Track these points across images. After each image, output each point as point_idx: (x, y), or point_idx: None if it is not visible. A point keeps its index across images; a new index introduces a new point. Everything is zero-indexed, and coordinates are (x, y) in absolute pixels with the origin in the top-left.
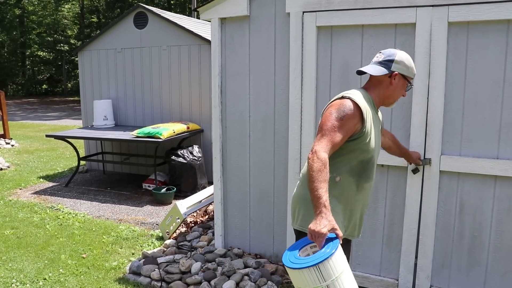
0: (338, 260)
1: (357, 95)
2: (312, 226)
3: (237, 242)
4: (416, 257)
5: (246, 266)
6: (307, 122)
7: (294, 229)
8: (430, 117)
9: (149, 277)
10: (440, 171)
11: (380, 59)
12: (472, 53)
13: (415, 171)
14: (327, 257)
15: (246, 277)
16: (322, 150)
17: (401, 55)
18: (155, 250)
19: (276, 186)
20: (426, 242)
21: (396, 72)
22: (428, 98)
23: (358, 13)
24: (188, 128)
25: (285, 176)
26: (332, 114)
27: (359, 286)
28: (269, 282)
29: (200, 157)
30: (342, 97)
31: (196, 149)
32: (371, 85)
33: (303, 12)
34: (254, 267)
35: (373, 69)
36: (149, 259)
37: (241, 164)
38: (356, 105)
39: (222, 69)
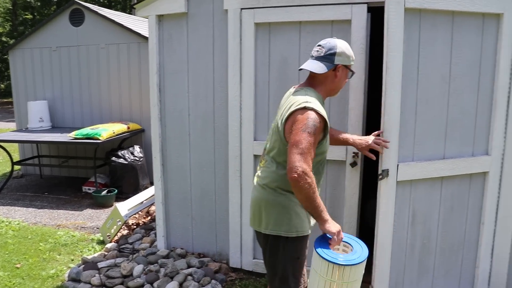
0: (358, 270)
1: (317, 104)
2: (332, 229)
3: (180, 242)
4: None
5: (189, 266)
6: (247, 119)
7: (261, 233)
8: (388, 120)
9: (89, 283)
10: (397, 182)
11: (322, 54)
12: (424, 46)
13: (353, 164)
14: (353, 264)
15: (189, 277)
16: (308, 168)
17: (341, 46)
18: (96, 254)
19: (217, 184)
20: (383, 267)
21: (339, 64)
22: (385, 97)
23: (295, 9)
24: (128, 128)
25: (226, 174)
26: (305, 130)
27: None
28: (212, 281)
29: (141, 157)
30: (305, 108)
31: (137, 149)
32: (317, 82)
33: (241, 9)
34: (198, 266)
35: (318, 66)
36: (89, 265)
37: (181, 163)
38: (321, 116)
39: (161, 67)
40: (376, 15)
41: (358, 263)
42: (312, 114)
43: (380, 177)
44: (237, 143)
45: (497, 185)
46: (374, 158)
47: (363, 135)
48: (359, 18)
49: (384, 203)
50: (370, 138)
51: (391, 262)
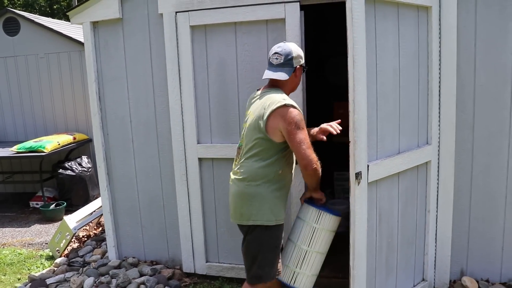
0: (335, 222)
1: (291, 101)
2: (320, 194)
3: (131, 251)
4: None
5: (142, 275)
6: (189, 122)
7: (243, 225)
8: (357, 119)
9: None
10: (368, 183)
11: (282, 61)
12: (379, 38)
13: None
14: (335, 214)
15: (142, 286)
16: (316, 157)
17: (295, 50)
18: (44, 271)
19: (165, 190)
20: (360, 277)
21: (297, 66)
22: (353, 94)
23: (230, 11)
24: (74, 138)
25: (172, 179)
26: (298, 128)
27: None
28: (166, 287)
29: (90, 167)
30: (285, 106)
31: (85, 159)
32: (280, 84)
33: (176, 12)
34: (150, 274)
35: (282, 74)
36: (37, 282)
37: (127, 170)
38: (299, 111)
39: (99, 75)
40: (308, 13)
41: (337, 215)
42: (294, 111)
43: (356, 180)
44: (181, 147)
45: (436, 173)
46: (324, 139)
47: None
48: (293, 16)
49: (358, 208)
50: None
51: (366, 268)
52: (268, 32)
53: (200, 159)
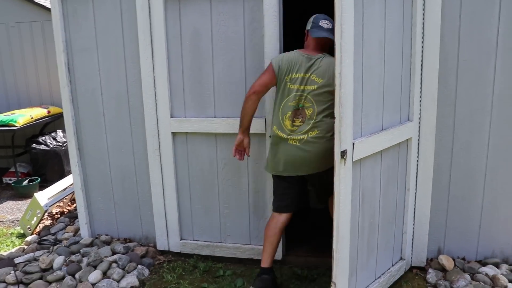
0: None
1: None
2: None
3: (104, 228)
4: None
5: (114, 253)
6: (162, 95)
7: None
8: (344, 93)
9: (4, 281)
10: (353, 162)
11: (331, 27)
12: (367, 6)
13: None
14: None
15: (114, 265)
16: None
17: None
18: (13, 250)
19: (137, 165)
20: (343, 260)
21: None
22: (341, 67)
23: None
24: (49, 112)
25: (145, 154)
26: None
27: (231, 258)
28: (139, 266)
29: (65, 142)
30: None
31: (60, 134)
32: (326, 48)
33: None
34: (123, 252)
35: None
36: (4, 261)
37: (98, 145)
38: None
39: (67, 45)
40: None
41: None
42: None
43: (341, 159)
44: (154, 122)
45: (416, 150)
46: None
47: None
48: None
49: (343, 189)
50: None
51: (349, 251)
52: (244, 1)
53: (173, 134)
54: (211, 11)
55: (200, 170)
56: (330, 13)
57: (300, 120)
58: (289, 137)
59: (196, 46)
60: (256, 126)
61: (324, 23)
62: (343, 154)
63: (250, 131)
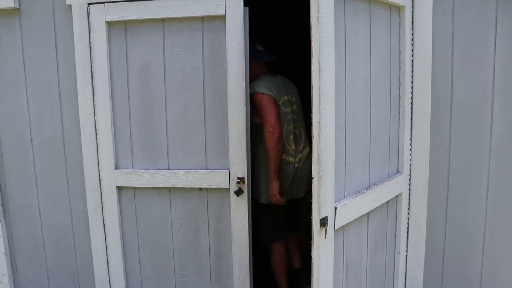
0: None
1: None
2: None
3: None
4: None
5: None
6: (105, 142)
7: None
8: (324, 147)
9: None
10: (335, 230)
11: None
12: (349, 40)
13: (238, 192)
14: None
15: None
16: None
17: None
18: None
19: (76, 225)
20: None
21: None
22: (319, 114)
23: (156, 4)
24: None
25: (84, 212)
26: None
27: None
28: None
29: None
30: None
31: None
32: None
33: (89, 3)
34: None
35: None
36: None
37: (28, 201)
38: None
39: None
40: (253, 10)
41: None
42: None
43: (321, 228)
44: (95, 173)
45: (407, 207)
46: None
47: (248, 155)
48: (235, 12)
49: (323, 264)
50: None
51: None
52: (204, 32)
53: (119, 188)
54: (164, 43)
55: (152, 231)
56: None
57: (298, 140)
58: (295, 159)
59: (146, 84)
60: (217, 179)
61: (261, 47)
62: (323, 222)
63: (211, 186)
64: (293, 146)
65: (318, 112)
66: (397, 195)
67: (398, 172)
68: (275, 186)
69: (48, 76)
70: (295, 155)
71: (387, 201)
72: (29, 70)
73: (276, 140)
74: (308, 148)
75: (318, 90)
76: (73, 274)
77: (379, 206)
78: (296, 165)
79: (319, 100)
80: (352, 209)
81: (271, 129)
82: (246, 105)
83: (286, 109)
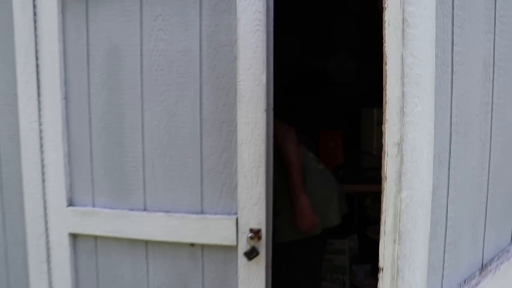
0: None
1: None
2: None
3: None
4: None
5: None
6: (53, 164)
7: None
8: (407, 203)
9: None
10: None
11: None
12: None
13: (250, 254)
14: None
15: None
16: None
17: None
18: None
19: (13, 282)
20: None
21: None
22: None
23: None
24: None
25: (24, 267)
26: None
27: None
28: None
29: None
30: None
31: None
32: None
33: None
34: None
35: None
36: None
37: None
38: None
39: None
40: None
41: None
42: None
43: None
44: (40, 211)
45: None
46: None
47: (268, 193)
48: None
49: None
50: None
51: None
52: None
53: (73, 236)
54: (142, 12)
55: None
56: None
57: None
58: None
59: (115, 76)
60: (219, 231)
61: None
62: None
63: (208, 242)
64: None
65: (400, 121)
66: None
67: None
68: (305, 202)
69: None
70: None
71: None
72: None
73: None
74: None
75: (401, 70)
76: None
77: None
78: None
79: (402, 93)
80: None
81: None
82: (268, 111)
83: None
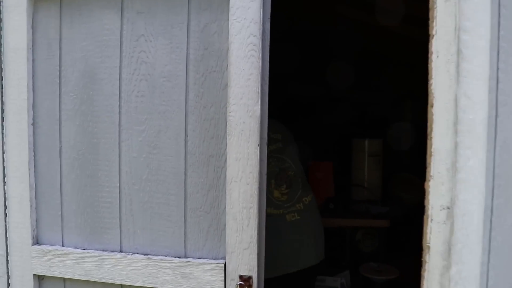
0: None
1: None
2: None
3: None
4: None
5: None
6: (17, 198)
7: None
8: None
9: None
10: None
11: None
12: None
13: None
14: None
15: None
16: None
17: None
18: None
19: None
20: None
21: None
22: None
23: None
24: None
25: None
26: None
27: None
28: None
29: None
30: None
31: None
32: None
33: None
34: None
35: None
36: None
37: None
38: None
39: None
40: None
41: None
42: None
43: None
44: (1, 249)
45: None
46: None
47: (260, 236)
48: None
49: None
50: None
51: None
52: (191, 13)
53: (39, 278)
54: (122, 31)
55: None
56: None
57: (289, 184)
58: (281, 210)
59: (90, 101)
60: (204, 277)
61: None
62: None
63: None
64: (276, 193)
65: (451, 179)
66: None
67: None
68: None
69: None
70: (283, 204)
71: None
72: None
73: None
74: (311, 196)
75: (454, 115)
76: None
77: None
78: (287, 217)
79: (455, 144)
80: None
81: None
82: (261, 145)
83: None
